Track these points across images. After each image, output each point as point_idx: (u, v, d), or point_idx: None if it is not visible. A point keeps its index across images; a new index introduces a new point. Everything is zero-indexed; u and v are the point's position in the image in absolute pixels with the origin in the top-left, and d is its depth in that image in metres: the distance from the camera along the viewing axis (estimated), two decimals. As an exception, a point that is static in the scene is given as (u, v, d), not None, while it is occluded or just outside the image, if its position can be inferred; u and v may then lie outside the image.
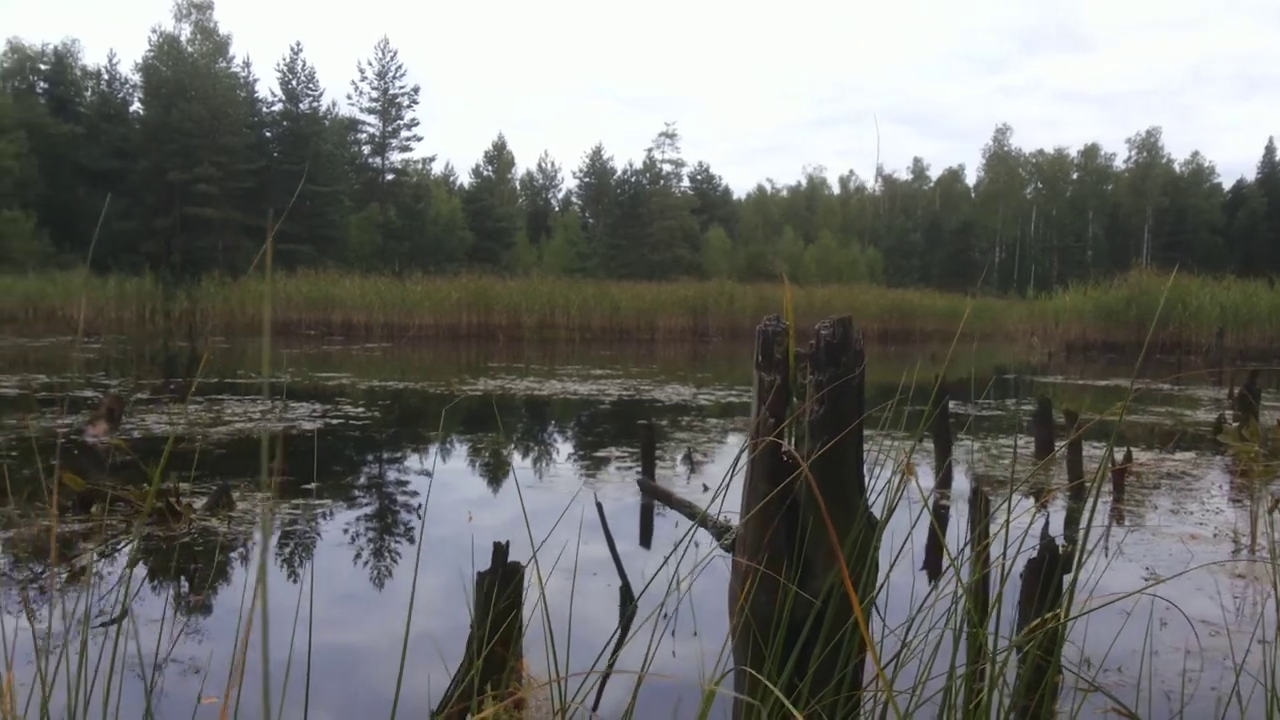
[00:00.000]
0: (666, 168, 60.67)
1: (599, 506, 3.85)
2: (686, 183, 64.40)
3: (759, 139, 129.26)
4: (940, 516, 5.99)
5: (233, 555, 5.04)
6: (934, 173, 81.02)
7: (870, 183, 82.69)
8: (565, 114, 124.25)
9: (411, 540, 5.46)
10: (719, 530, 1.86)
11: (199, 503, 5.63)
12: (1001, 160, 77.38)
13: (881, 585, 1.33)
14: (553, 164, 73.24)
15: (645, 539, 5.61)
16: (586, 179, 67.01)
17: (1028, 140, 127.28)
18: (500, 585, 1.81)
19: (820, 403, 1.50)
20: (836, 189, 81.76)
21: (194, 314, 34.04)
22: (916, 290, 42.55)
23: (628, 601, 4.13)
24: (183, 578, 4.68)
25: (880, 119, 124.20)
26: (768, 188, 78.88)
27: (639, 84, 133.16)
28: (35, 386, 12.58)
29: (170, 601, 4.42)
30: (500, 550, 1.82)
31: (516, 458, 8.57)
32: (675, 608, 4.05)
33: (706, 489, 6.58)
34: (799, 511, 1.58)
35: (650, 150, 61.25)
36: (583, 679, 1.55)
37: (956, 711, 1.34)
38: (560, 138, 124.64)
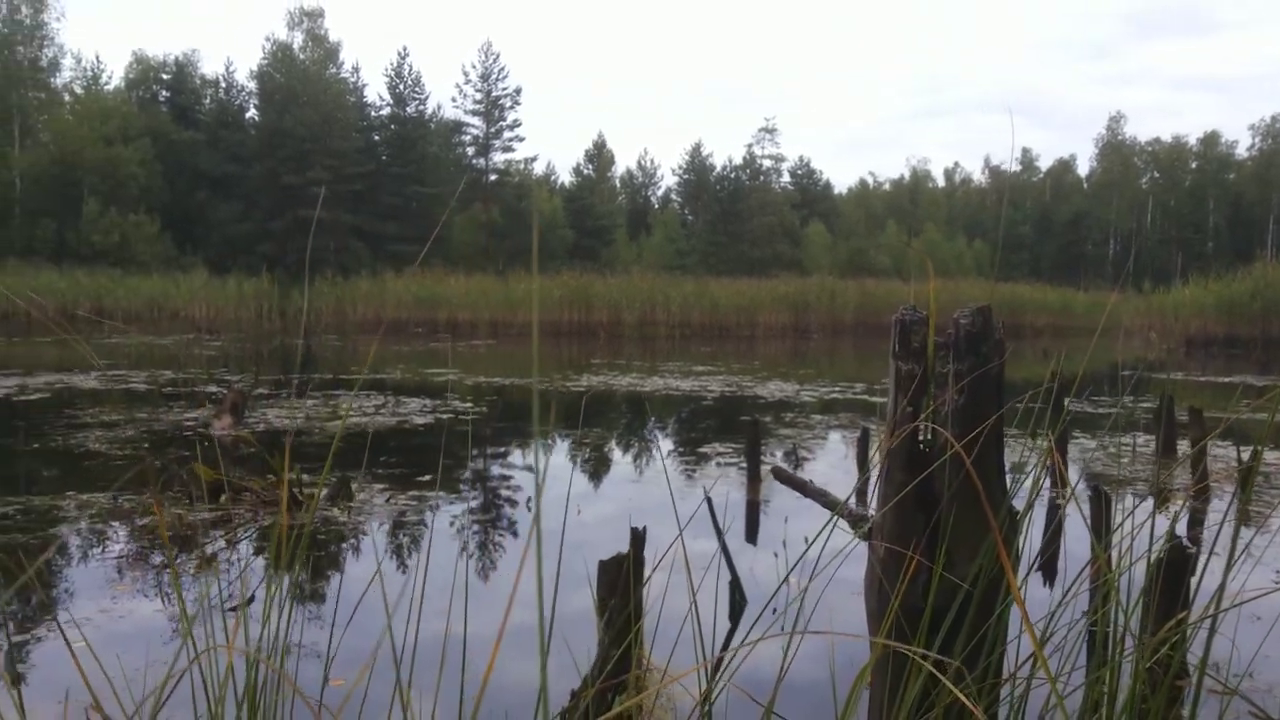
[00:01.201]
0: (766, 163, 60.30)
1: (708, 501, 3.86)
2: (786, 178, 63.90)
3: (861, 132, 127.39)
4: (1057, 516, 5.84)
5: (353, 545, 5.21)
6: (1043, 163, 78.73)
7: (976, 174, 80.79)
8: (665, 111, 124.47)
9: (516, 534, 5.56)
10: (854, 519, 1.86)
11: (321, 493, 5.84)
12: (1115, 149, 74.67)
13: (1027, 575, 1.32)
14: (652, 161, 73.51)
15: (751, 535, 5.61)
16: (686, 176, 67.01)
17: (1143, 128, 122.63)
18: (635, 570, 1.85)
19: (960, 392, 1.49)
20: (941, 181, 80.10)
21: (307, 313, 35.17)
22: (1026, 284, 41.40)
23: (738, 596, 4.14)
24: (298, 566, 4.85)
25: (986, 109, 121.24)
26: (870, 181, 77.64)
27: (739, 80, 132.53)
28: (162, 382, 13.18)
29: (294, 588, 4.60)
30: (638, 535, 1.85)
31: (619, 453, 8.64)
32: (786, 604, 4.04)
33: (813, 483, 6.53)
34: (937, 501, 1.57)
35: (750, 146, 60.89)
36: (709, 669, 1.57)
37: (1104, 707, 1.32)
38: (660, 135, 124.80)
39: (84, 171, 41.28)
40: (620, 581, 1.95)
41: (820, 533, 1.50)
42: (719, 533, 4.00)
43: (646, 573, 2.09)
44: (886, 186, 77.47)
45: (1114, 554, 1.81)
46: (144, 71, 51.45)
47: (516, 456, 8.36)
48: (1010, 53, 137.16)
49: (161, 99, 50.83)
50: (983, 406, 1.52)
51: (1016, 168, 77.97)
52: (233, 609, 4.26)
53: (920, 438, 1.57)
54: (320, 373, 15.32)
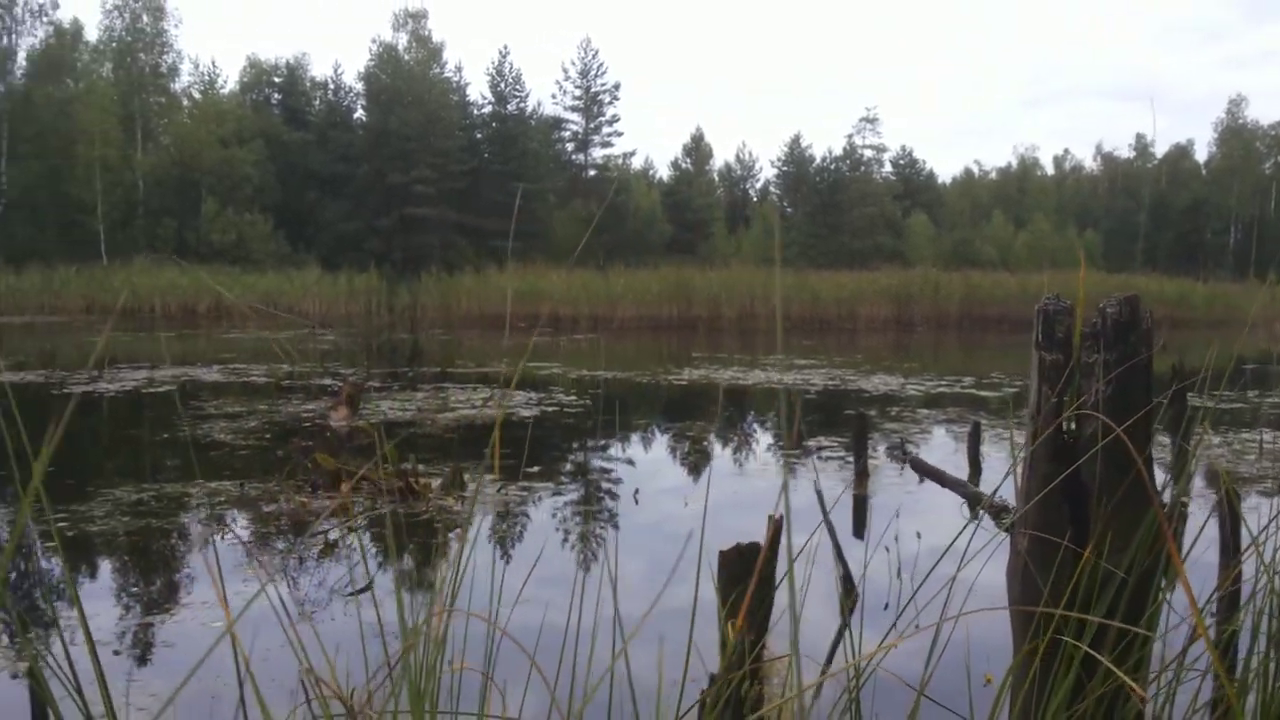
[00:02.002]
0: (867, 153, 59.32)
1: (819, 494, 3.84)
2: (888, 168, 62.77)
3: (966, 120, 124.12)
4: (1179, 514, 5.64)
5: (465, 533, 5.33)
6: (1158, 149, 75.60)
7: (1088, 162, 78.09)
8: (763, 103, 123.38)
9: (617, 526, 5.62)
10: (995, 511, 1.84)
11: (435, 483, 5.99)
12: (1236, 134, 71.24)
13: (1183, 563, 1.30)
14: (750, 154, 73.10)
15: (858, 530, 5.56)
16: (785, 168, 66.40)
17: (1265, 112, 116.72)
18: (767, 561, 1.87)
19: (1108, 383, 1.47)
20: (1050, 170, 77.65)
21: (414, 308, 36.01)
22: (1141, 275, 39.90)
23: (848, 590, 4.12)
24: (404, 554, 5.00)
25: (1097, 95, 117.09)
26: (975, 170, 75.73)
27: (839, 70, 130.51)
28: (280, 375, 13.67)
29: (410, 573, 4.74)
30: (776, 524, 1.87)
31: (721, 446, 8.65)
32: (899, 598, 4.00)
33: (922, 480, 6.44)
34: (1083, 492, 1.55)
35: (850, 136, 59.97)
36: (856, 662, 1.58)
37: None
38: (758, 128, 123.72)
39: (202, 172, 42.97)
40: (741, 571, 1.97)
41: (964, 529, 1.49)
42: (829, 526, 3.98)
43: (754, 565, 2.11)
44: (993, 175, 75.45)
45: (1254, 550, 1.76)
46: (257, 75, 53.29)
47: (617, 449, 8.44)
48: (1121, 37, 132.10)
49: (274, 102, 52.58)
50: (1132, 397, 1.50)
51: (1130, 154, 75.17)
52: (353, 594, 4.42)
53: (1065, 428, 1.55)
54: (427, 366, 15.69)
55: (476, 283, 36.23)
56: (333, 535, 5.24)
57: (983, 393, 12.35)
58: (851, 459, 7.07)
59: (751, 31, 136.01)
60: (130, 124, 43.57)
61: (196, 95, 49.75)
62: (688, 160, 64.68)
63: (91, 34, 46.41)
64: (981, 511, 4.10)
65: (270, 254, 41.61)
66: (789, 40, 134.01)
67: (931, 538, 4.48)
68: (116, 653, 3.51)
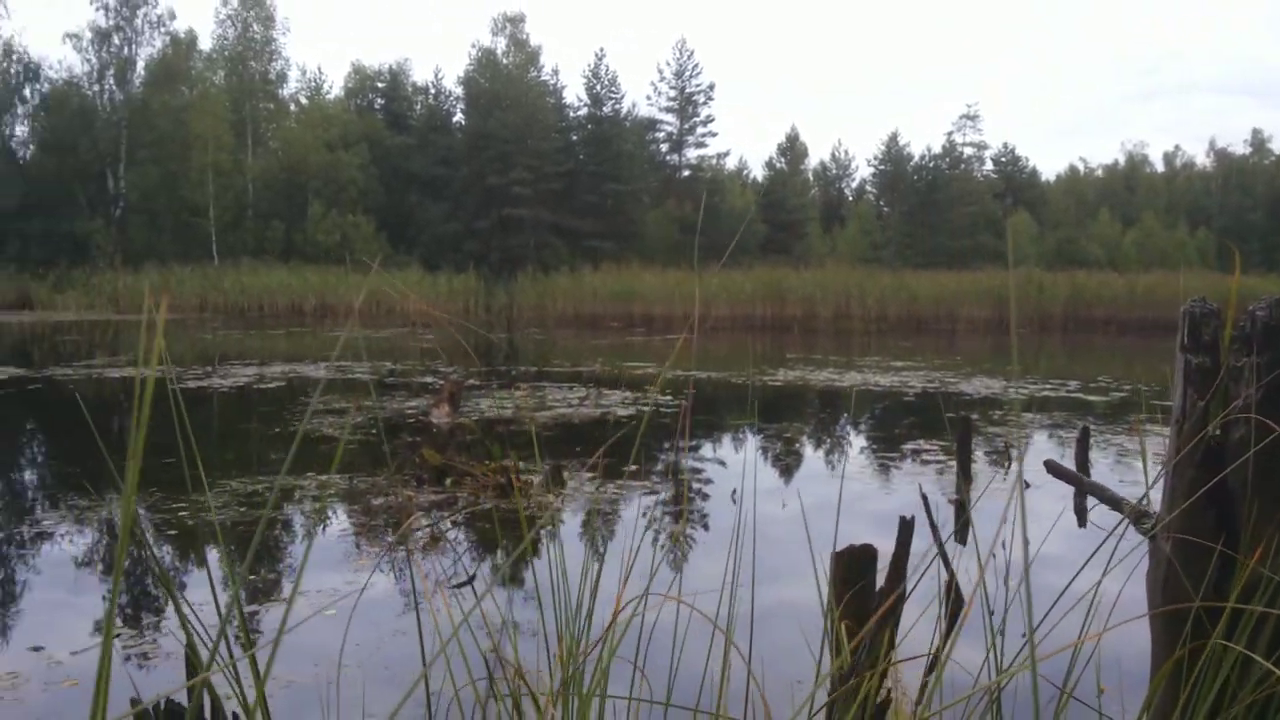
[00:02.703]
0: (968, 151, 58.06)
1: (924, 498, 3.80)
2: (989, 165, 61.31)
3: (1071, 116, 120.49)
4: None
5: (565, 529, 5.42)
6: (1276, 145, 72.24)
7: (1200, 158, 75.06)
8: (860, 101, 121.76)
9: (708, 527, 5.64)
10: (1136, 516, 1.81)
11: (535, 479, 6.10)
12: (1364, 126, 67.66)
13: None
14: (846, 153, 72.12)
15: (961, 535, 5.48)
16: (882, 166, 65.44)
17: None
18: (896, 560, 1.87)
19: (1259, 388, 1.44)
20: (1160, 166, 74.88)
21: (510, 308, 36.56)
22: (1258, 275, 38.22)
23: (954, 596, 4.05)
24: (514, 548, 5.09)
25: (1209, 89, 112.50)
26: (1080, 168, 73.46)
27: (938, 66, 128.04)
28: (383, 373, 14.05)
29: (509, 568, 4.83)
30: (906, 524, 1.87)
31: (816, 448, 8.59)
32: (1006, 606, 3.93)
33: (1029, 485, 6.30)
34: (1231, 498, 1.52)
35: (950, 133, 58.77)
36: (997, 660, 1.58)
37: None
38: (854, 126, 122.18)
39: (308, 176, 44.32)
40: (855, 573, 1.97)
41: (1110, 534, 1.47)
42: (934, 530, 3.93)
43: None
44: (1099, 173, 73.07)
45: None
46: (361, 81, 54.76)
47: (711, 450, 8.45)
48: (1234, 28, 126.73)
49: (377, 106, 53.94)
50: (1282, 403, 1.46)
51: (1245, 149, 72.03)
52: (456, 586, 4.53)
53: (1210, 433, 1.52)
54: (524, 365, 15.93)
55: (571, 283, 36.61)
56: (437, 529, 5.37)
57: (1090, 397, 12.01)
58: (952, 463, 6.96)
59: (849, 28, 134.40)
60: (241, 129, 45.18)
61: (304, 101, 51.35)
62: (782, 160, 64.23)
63: (205, 43, 48.29)
64: (1089, 518, 3.98)
65: (373, 255, 42.66)
66: (887, 36, 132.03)
67: (1040, 545, 4.38)
68: (236, 636, 3.67)
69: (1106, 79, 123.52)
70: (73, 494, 5.99)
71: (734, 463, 7.80)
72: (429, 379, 13.03)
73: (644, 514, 5.79)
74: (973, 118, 57.42)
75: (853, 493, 6.44)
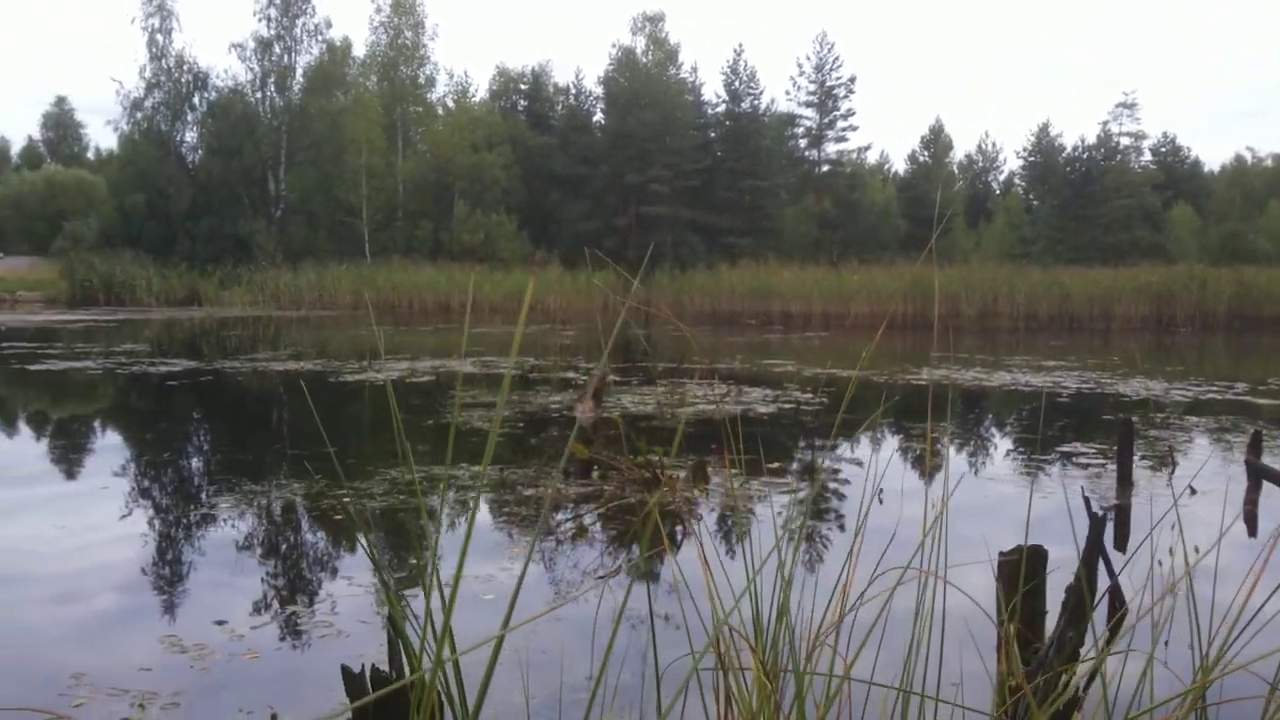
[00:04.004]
0: (1124, 141, 55.34)
1: (1086, 501, 3.69)
2: (1147, 156, 58.31)
3: (1237, 103, 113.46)
4: None
5: (710, 525, 5.46)
6: None
7: (1388, 144, 69.55)
8: (1008, 92, 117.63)
9: (843, 528, 5.58)
10: None
11: (679, 475, 6.16)
12: None
13: None
14: (993, 145, 69.78)
15: (1120, 542, 5.28)
16: (1031, 158, 63.11)
17: None
18: (1088, 561, 1.86)
19: None
20: (1340, 154, 69.74)
21: (648, 304, 36.84)
22: None
23: (1118, 604, 3.93)
24: (650, 542, 5.16)
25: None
26: (1248, 157, 69.16)
27: (1092, 53, 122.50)
28: (527, 368, 14.39)
29: (651, 562, 4.91)
30: (1098, 521, 1.86)
31: (958, 450, 8.38)
32: (1169, 615, 3.78)
33: (1194, 491, 6.01)
34: None
35: (1105, 123, 56.08)
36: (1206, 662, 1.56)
37: None
38: (1002, 117, 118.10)
39: (455, 177, 45.67)
40: (1026, 572, 1.96)
41: None
42: (1096, 536, 3.81)
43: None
44: (1268, 162, 68.63)
45: None
46: (505, 83, 56.11)
47: (853, 449, 8.35)
48: None
49: (520, 108, 55.19)
50: None
51: None
52: (602, 577, 4.63)
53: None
54: (662, 362, 16.05)
55: (708, 280, 36.64)
56: (585, 521, 5.49)
57: (1259, 400, 11.34)
58: (1108, 467, 6.71)
59: (995, 15, 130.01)
60: (392, 132, 46.91)
61: (451, 104, 52.94)
62: (926, 153, 62.75)
63: (359, 50, 50.30)
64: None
65: (515, 253, 43.73)
66: (1038, 22, 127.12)
67: (1209, 553, 4.18)
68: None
69: (1275, 62, 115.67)
70: (245, 479, 6.38)
71: (875, 463, 7.70)
72: (570, 374, 13.29)
73: (779, 513, 5.78)
74: (1130, 106, 54.69)
75: (1001, 495, 6.28)
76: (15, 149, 77.35)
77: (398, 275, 37.69)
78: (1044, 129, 62.82)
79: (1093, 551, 1.90)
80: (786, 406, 10.13)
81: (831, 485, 6.78)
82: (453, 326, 26.82)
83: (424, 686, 1.20)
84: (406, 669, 1.54)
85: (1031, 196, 63.03)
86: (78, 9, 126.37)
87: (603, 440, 6.64)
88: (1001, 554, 2.06)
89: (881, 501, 6.01)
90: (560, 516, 5.50)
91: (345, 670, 1.70)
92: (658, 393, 11.14)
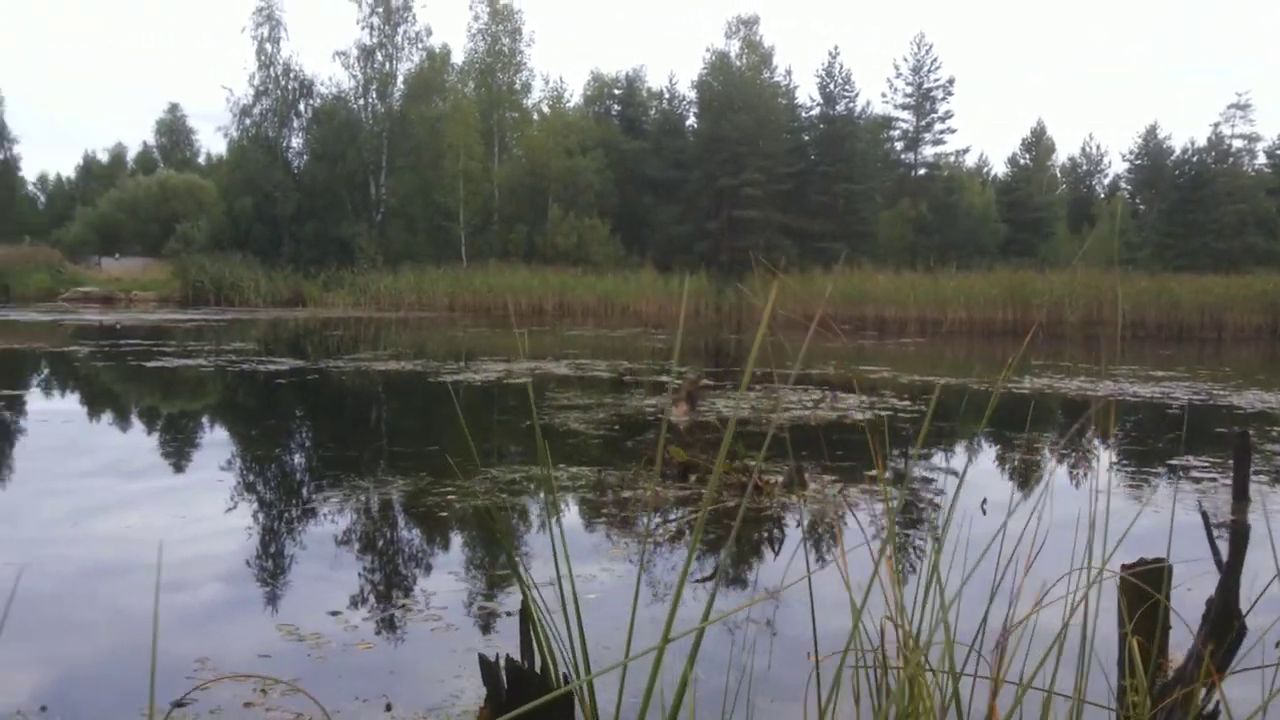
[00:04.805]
0: (1237, 143, 53.20)
1: (1204, 515, 3.58)
2: (1262, 159, 55.91)
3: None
4: None
5: (804, 530, 5.44)
6: None
7: None
8: (1114, 92, 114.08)
9: (938, 537, 5.48)
10: None
11: (776, 480, 6.15)
12: None
13: None
14: (1098, 147, 67.86)
15: (1236, 558, 5.08)
16: (1138, 161, 61.14)
17: None
18: (1230, 574, 1.82)
19: None
20: None
21: (740, 309, 36.73)
22: None
23: (1236, 623, 3.80)
24: (747, 546, 5.16)
25: None
26: (1376, 159, 65.78)
27: (1203, 49, 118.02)
28: (620, 371, 14.50)
29: (753, 565, 4.91)
30: (1240, 533, 1.82)
31: (1058, 460, 8.17)
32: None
33: (1317, 509, 5.76)
34: None
35: (1217, 125, 54.01)
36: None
37: None
38: (1108, 118, 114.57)
39: (549, 181, 46.24)
40: (1138, 590, 1.92)
41: None
42: (1215, 552, 3.69)
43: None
44: (1400, 163, 65.22)
45: None
46: (599, 88, 56.61)
47: (940, 458, 8.21)
48: None
49: (613, 113, 55.60)
50: None
51: None
52: (700, 580, 4.65)
53: None
54: (754, 366, 15.97)
55: (801, 284, 36.36)
56: (682, 523, 5.52)
57: (1387, 414, 10.80)
58: (1221, 482, 6.48)
59: (1099, 13, 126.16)
60: (489, 138, 47.69)
61: (546, 110, 53.61)
62: (1026, 156, 61.30)
63: (457, 57, 51.31)
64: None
65: (608, 256, 44.06)
66: (1144, 20, 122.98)
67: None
68: (510, 613, 3.92)
69: None
70: (351, 475, 6.58)
71: (973, 473, 7.56)
72: (664, 378, 13.34)
73: (872, 521, 5.73)
74: (1243, 107, 52.55)
75: (1106, 509, 6.10)
76: (131, 154, 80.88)
77: (493, 278, 38.30)
78: (1151, 131, 60.85)
79: (1237, 563, 1.85)
80: (883, 413, 10.02)
81: (926, 494, 6.68)
82: (546, 329, 27.14)
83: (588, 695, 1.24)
84: (538, 660, 1.59)
85: (1138, 201, 61.08)
86: (192, 20, 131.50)
87: (700, 444, 6.66)
88: (1124, 566, 2.02)
89: (985, 512, 5.92)
90: (659, 519, 5.54)
91: (482, 659, 1.77)
92: (751, 397, 11.11)
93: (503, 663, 1.72)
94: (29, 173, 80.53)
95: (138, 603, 3.98)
